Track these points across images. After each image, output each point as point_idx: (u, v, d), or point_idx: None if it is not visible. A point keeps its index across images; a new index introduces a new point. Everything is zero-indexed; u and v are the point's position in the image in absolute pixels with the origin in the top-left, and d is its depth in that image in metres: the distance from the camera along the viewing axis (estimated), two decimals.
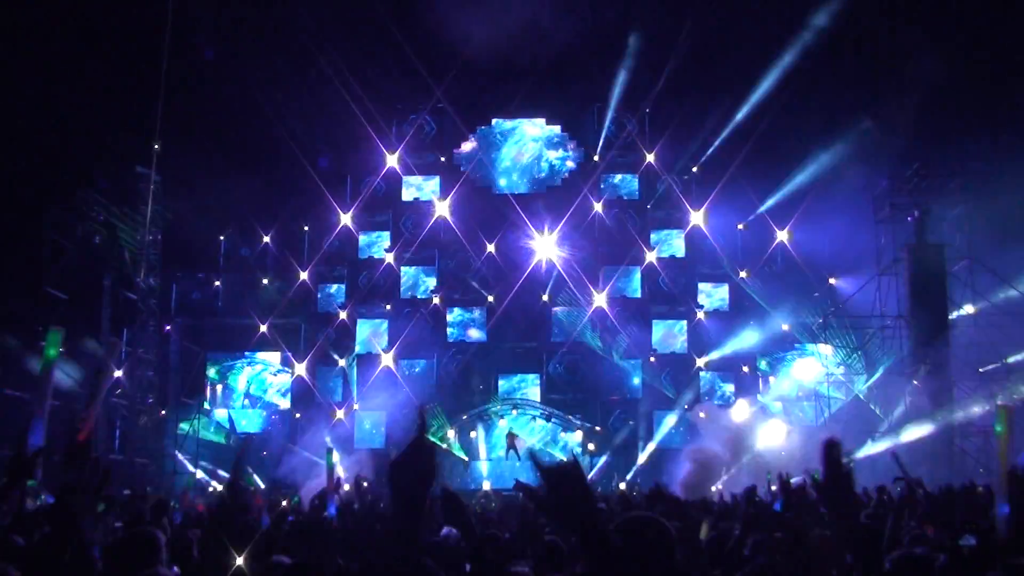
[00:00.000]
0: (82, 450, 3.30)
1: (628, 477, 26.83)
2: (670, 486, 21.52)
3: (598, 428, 27.89)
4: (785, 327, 27.66)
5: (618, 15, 27.42)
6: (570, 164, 31.25)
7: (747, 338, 27.95)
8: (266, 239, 30.38)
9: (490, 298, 29.77)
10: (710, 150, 28.57)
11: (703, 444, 24.57)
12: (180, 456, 27.35)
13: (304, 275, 30.26)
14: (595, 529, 2.19)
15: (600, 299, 29.20)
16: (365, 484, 11.10)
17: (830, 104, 25.85)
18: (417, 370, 30.02)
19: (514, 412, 28.25)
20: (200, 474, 26.56)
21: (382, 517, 8.07)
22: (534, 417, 28.45)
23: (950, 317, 23.85)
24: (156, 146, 23.99)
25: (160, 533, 4.45)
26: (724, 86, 27.22)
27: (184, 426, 28.11)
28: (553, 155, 31.42)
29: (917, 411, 22.45)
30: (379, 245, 30.95)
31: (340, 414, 29.03)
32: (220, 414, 29.90)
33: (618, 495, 16.22)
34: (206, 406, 29.62)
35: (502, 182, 31.31)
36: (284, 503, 13.76)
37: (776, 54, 25.66)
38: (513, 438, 27.12)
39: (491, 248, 29.62)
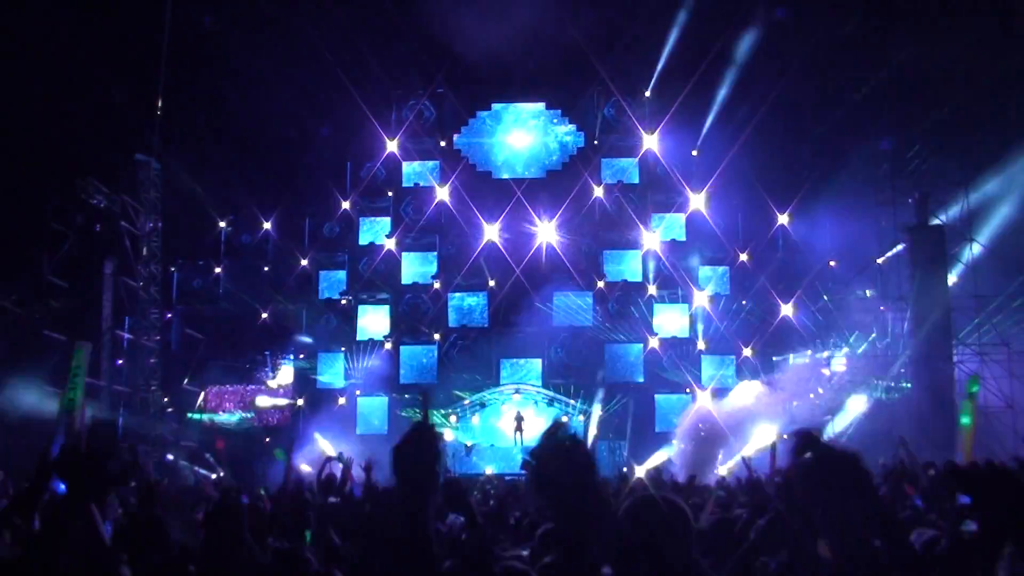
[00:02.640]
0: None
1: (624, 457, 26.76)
2: (671, 469, 21.69)
3: (599, 412, 27.86)
4: (786, 309, 27.68)
5: None
6: (576, 139, 31.05)
7: (748, 320, 27.96)
8: (266, 226, 30.33)
9: (491, 283, 29.77)
10: (710, 133, 28.47)
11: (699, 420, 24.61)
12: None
13: (305, 261, 30.30)
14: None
15: (601, 283, 29.24)
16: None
17: (830, 87, 25.75)
18: (426, 360, 30.05)
19: (516, 397, 28.30)
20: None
21: (377, 498, 8.09)
22: (536, 402, 28.49)
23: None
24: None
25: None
26: (723, 68, 27.08)
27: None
28: (562, 130, 31.30)
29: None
30: (380, 231, 30.90)
31: (342, 400, 29.11)
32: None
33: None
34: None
35: (502, 167, 31.22)
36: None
37: (775, 35, 25.62)
38: (520, 421, 27.20)
39: (492, 233, 29.58)
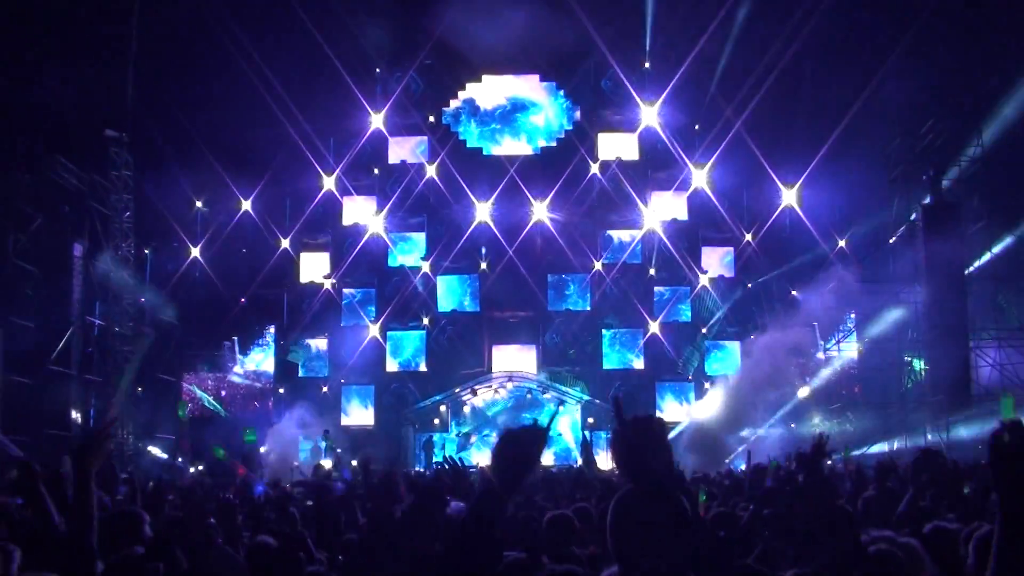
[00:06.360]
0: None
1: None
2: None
3: (597, 400, 26.99)
4: (794, 292, 26.80)
5: None
6: (566, 120, 29.92)
7: (753, 304, 27.14)
8: (245, 205, 28.90)
9: (483, 265, 28.67)
10: (713, 106, 27.30)
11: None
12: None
13: (285, 243, 28.99)
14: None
15: (598, 265, 28.27)
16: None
17: (839, 59, 24.79)
18: (414, 347, 29.03)
19: (510, 384, 27.47)
20: (157, 452, 25.40)
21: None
22: (530, 390, 27.58)
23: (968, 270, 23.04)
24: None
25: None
26: (726, 39, 25.97)
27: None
28: (556, 104, 30.12)
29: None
30: (365, 211, 29.61)
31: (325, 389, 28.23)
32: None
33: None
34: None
35: (493, 143, 30.00)
36: None
37: (782, 5, 24.59)
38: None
39: (483, 212, 28.43)
